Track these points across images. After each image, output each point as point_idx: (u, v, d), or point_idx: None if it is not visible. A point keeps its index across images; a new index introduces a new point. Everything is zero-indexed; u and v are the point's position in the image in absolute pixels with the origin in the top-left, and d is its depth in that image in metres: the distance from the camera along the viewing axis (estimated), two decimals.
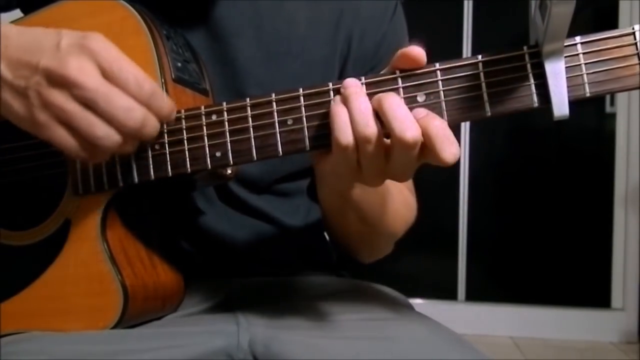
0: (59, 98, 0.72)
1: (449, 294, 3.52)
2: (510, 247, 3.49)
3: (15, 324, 0.84)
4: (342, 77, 1.03)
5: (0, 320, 0.85)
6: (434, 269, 3.51)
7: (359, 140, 0.69)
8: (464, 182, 3.47)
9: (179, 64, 0.86)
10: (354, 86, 0.72)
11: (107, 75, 0.73)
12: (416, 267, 3.42)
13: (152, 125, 0.76)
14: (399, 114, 0.68)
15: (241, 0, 0.99)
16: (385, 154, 0.71)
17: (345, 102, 0.71)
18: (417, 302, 3.39)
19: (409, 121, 0.67)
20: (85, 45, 0.73)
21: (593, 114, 3.39)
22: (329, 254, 1.14)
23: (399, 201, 1.00)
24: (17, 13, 1.00)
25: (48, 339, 0.80)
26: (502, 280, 3.54)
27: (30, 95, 0.74)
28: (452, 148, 0.67)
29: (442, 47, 3.50)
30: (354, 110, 0.69)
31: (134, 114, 0.74)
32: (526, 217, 3.48)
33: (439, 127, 0.68)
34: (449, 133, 0.68)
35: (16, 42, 0.76)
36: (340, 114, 0.70)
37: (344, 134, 0.70)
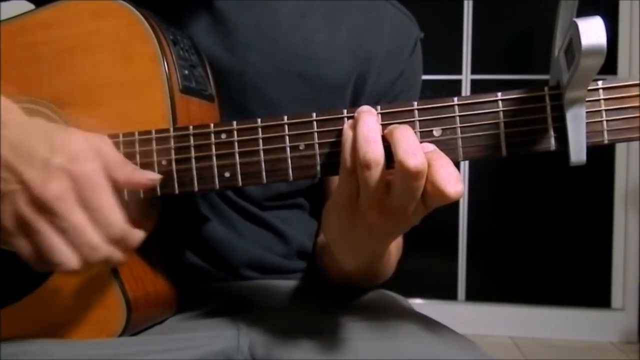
0: (32, 216, 0.71)
1: (449, 294, 3.52)
2: (510, 247, 3.49)
3: (16, 331, 0.84)
4: (354, 106, 1.01)
5: (0, 326, 0.85)
6: (434, 269, 3.51)
7: (358, 163, 0.67)
8: (464, 182, 3.44)
9: (186, 72, 0.84)
10: (365, 111, 0.69)
11: (84, 205, 0.71)
12: (416, 267, 3.40)
13: (116, 260, 0.74)
14: (405, 140, 0.65)
15: (260, 11, 0.97)
16: (387, 185, 0.68)
17: (354, 125, 0.69)
18: (417, 302, 3.41)
19: (414, 149, 0.64)
20: (73, 172, 0.71)
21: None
22: None
23: (394, 248, 0.99)
24: (17, 4, 0.99)
25: (48, 341, 0.81)
26: (502, 280, 3.54)
27: (5, 202, 0.72)
28: (457, 185, 0.64)
29: (442, 47, 3.51)
30: (358, 133, 0.67)
31: (98, 252, 0.72)
32: (526, 217, 3.48)
33: (444, 162, 0.65)
34: (455, 170, 0.66)
35: (10, 137, 0.73)
36: (348, 138, 0.69)
37: (348, 157, 0.69)
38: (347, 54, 1.00)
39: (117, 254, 0.73)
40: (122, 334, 0.82)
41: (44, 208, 0.70)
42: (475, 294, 3.51)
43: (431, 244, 3.44)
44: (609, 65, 3.27)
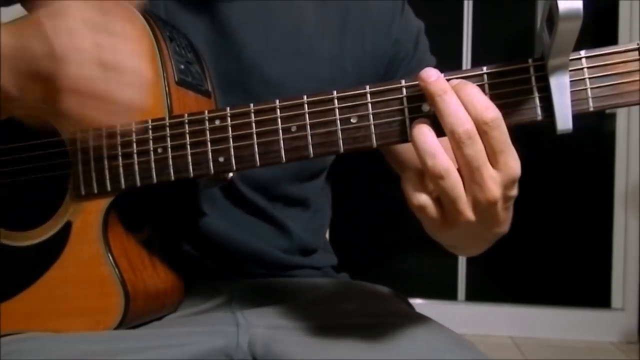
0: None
1: (449, 294, 3.51)
2: (510, 247, 3.46)
3: (16, 324, 0.85)
4: (365, 76, 1.04)
5: (0, 319, 0.85)
6: (434, 269, 3.49)
7: (433, 179, 0.67)
8: None
9: (182, 66, 0.86)
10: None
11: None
12: (416, 267, 3.40)
13: None
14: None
15: None
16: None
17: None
18: (417, 302, 3.39)
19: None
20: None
21: (593, 114, 3.36)
22: (330, 256, 1.15)
23: None
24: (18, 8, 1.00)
25: (48, 338, 0.81)
26: (502, 280, 3.53)
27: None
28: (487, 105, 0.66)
29: (442, 47, 3.49)
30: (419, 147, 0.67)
31: None
32: (526, 217, 3.44)
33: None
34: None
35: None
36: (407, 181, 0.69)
37: (415, 198, 0.69)
38: (336, 25, 1.03)
39: None
40: (119, 325, 0.82)
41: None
42: (475, 294, 3.50)
43: (431, 244, 3.41)
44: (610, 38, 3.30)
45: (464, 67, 3.26)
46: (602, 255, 3.41)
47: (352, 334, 0.83)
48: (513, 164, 0.66)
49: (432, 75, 0.67)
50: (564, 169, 3.39)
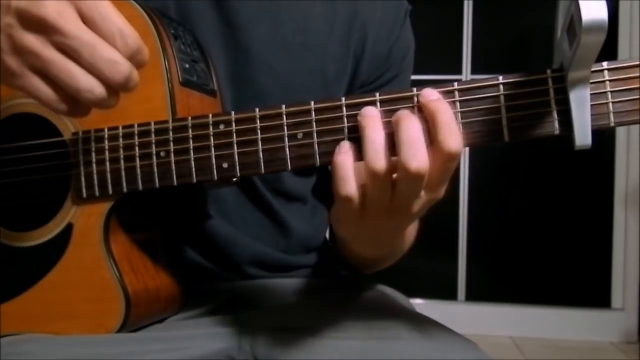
0: (35, 43, 0.64)
1: (449, 294, 3.53)
2: (510, 247, 3.49)
3: (16, 326, 0.84)
4: (356, 75, 1.05)
5: (0, 320, 0.85)
6: (434, 269, 3.51)
7: (369, 174, 0.66)
8: (464, 182, 3.48)
9: (187, 65, 0.85)
10: (371, 116, 0.68)
11: (89, 23, 0.64)
12: (416, 267, 3.40)
13: (136, 80, 0.68)
14: (407, 137, 0.65)
15: None
16: (392, 186, 0.68)
17: (361, 131, 0.68)
18: (417, 302, 3.40)
19: (415, 149, 0.64)
20: None
21: None
22: (330, 255, 1.14)
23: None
24: None
25: (49, 340, 0.80)
26: (502, 280, 3.54)
27: (3, 39, 0.65)
28: (457, 138, 0.64)
29: (442, 47, 3.52)
30: (367, 142, 0.67)
31: (120, 67, 0.65)
32: (526, 217, 3.48)
33: (446, 113, 0.65)
34: (454, 123, 0.65)
35: None
36: (344, 164, 0.68)
37: (348, 185, 0.68)
38: (343, 25, 1.03)
39: (135, 72, 0.67)
40: (120, 329, 0.81)
41: (47, 29, 0.63)
42: (475, 294, 3.52)
43: (431, 244, 3.44)
44: (609, 52, 3.26)
45: (464, 68, 3.30)
46: (602, 255, 3.42)
47: (354, 334, 0.83)
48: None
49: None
50: (564, 168, 3.40)
